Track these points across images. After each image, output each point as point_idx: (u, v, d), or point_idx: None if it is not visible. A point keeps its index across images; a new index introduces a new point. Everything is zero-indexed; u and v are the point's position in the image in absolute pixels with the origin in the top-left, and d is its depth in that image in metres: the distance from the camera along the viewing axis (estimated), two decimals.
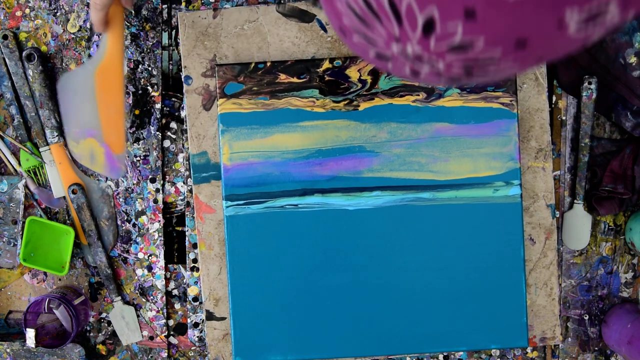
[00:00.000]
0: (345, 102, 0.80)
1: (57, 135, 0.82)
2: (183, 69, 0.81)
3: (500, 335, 0.81)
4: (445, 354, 0.86)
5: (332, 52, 0.81)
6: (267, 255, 0.80)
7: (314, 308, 0.81)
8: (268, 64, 0.80)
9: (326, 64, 0.80)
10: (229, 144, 0.80)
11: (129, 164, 0.84)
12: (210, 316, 0.83)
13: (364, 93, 0.80)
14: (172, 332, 0.86)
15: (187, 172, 0.84)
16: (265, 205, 0.80)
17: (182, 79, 0.81)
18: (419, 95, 0.80)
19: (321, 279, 0.81)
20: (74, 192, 0.82)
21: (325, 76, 0.80)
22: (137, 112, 0.83)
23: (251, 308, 0.81)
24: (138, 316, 0.85)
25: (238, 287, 0.81)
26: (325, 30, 0.81)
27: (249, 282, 0.81)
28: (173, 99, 0.85)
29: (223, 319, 0.83)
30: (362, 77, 0.80)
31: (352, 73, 0.80)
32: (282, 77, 0.80)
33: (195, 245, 0.84)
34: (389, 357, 0.83)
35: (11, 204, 0.83)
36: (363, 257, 0.81)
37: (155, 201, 0.84)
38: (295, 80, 0.80)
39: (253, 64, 0.80)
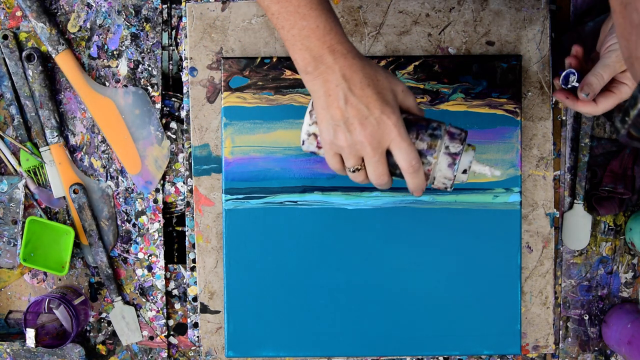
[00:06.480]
0: None
1: (57, 135, 0.82)
2: (189, 60, 0.81)
3: (494, 341, 0.81)
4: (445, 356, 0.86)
5: None
6: (264, 251, 0.80)
7: (308, 305, 0.81)
8: (274, 59, 0.80)
9: None
10: (232, 137, 0.80)
11: (149, 179, 0.84)
12: (204, 309, 0.83)
13: None
14: (172, 332, 0.86)
15: (187, 172, 0.84)
16: (265, 201, 0.80)
17: (187, 70, 0.81)
18: (423, 98, 0.80)
19: (317, 277, 0.81)
20: (75, 192, 0.82)
21: None
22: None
23: (246, 302, 0.81)
24: (138, 316, 0.85)
25: (234, 281, 0.81)
26: None
27: (245, 277, 0.81)
28: (173, 99, 0.85)
29: (217, 312, 0.83)
30: None
31: None
32: (288, 73, 0.80)
33: (195, 246, 0.84)
34: (381, 357, 0.83)
35: (11, 204, 0.83)
36: (360, 257, 0.81)
37: (155, 201, 0.84)
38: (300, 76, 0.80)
39: (259, 59, 0.80)
